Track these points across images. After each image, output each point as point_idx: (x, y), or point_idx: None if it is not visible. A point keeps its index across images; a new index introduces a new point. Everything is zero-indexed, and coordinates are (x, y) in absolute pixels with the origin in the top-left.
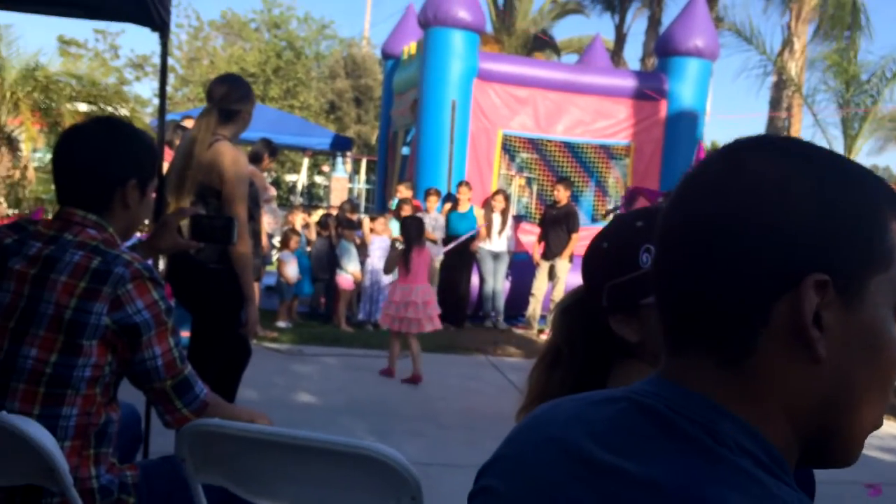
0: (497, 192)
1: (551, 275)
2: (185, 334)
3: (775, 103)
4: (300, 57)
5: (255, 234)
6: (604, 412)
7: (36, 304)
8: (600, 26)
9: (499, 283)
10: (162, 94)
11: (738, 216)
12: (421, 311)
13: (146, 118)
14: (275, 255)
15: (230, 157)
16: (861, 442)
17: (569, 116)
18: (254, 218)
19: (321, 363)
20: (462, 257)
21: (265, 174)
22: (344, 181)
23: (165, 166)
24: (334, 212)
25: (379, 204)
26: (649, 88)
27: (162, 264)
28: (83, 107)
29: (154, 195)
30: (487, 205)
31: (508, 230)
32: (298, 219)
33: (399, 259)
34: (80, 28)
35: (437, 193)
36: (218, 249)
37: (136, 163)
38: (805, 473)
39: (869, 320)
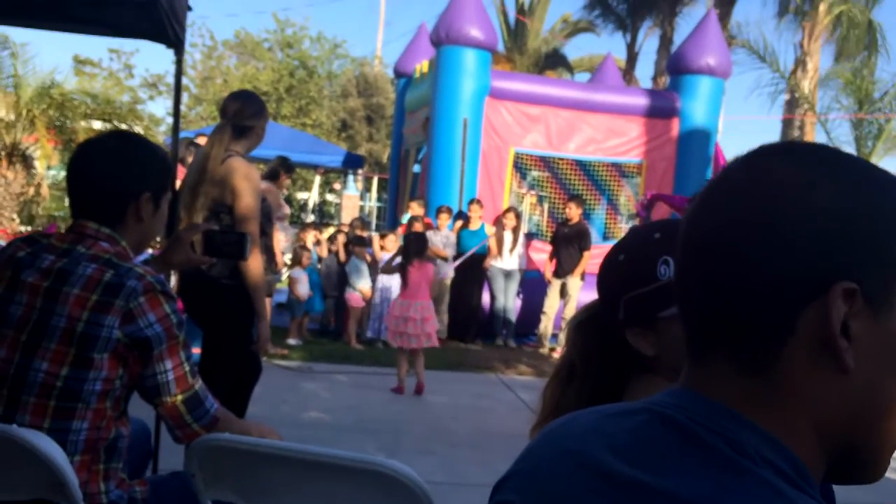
0: (508, 210)
1: (563, 293)
2: (195, 351)
3: (788, 121)
4: (313, 76)
5: (268, 249)
6: (623, 424)
7: (48, 316)
8: (612, 45)
9: (510, 300)
10: (176, 109)
11: (763, 223)
12: (419, 327)
13: (160, 136)
14: (285, 273)
15: (243, 172)
16: (888, 457)
17: (581, 134)
18: (266, 234)
19: (331, 380)
20: (473, 275)
21: (280, 192)
22: (355, 199)
23: (178, 184)
24: (345, 229)
25: (390, 222)
26: (662, 106)
27: (173, 280)
28: (98, 124)
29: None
30: (499, 222)
31: (520, 248)
32: (310, 236)
33: (400, 274)
34: (95, 48)
35: (449, 211)
36: (230, 265)
37: (150, 176)
38: (824, 490)
39: None
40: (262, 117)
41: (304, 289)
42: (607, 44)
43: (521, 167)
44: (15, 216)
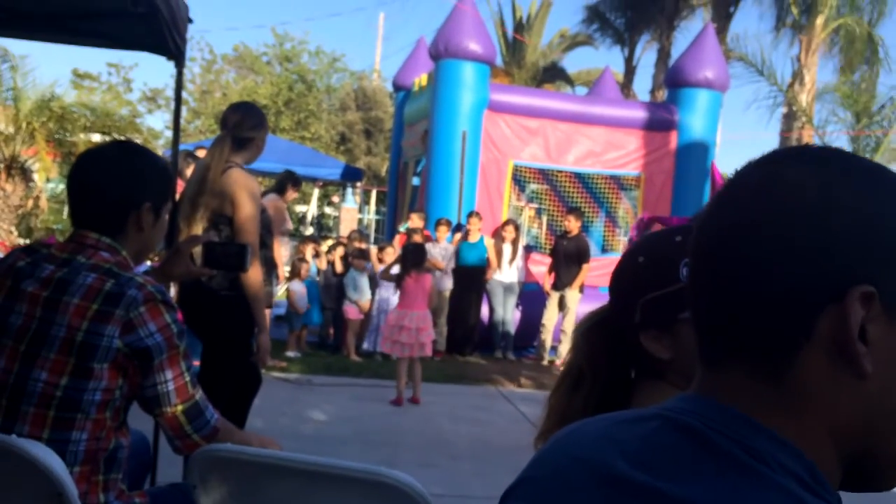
0: (507, 223)
1: (561, 305)
2: (195, 363)
3: (786, 134)
4: (311, 89)
5: (268, 261)
6: (635, 431)
7: (48, 326)
8: (609, 59)
9: (508, 313)
10: (176, 120)
11: (779, 227)
12: (413, 336)
13: (159, 150)
14: (283, 286)
15: (243, 183)
16: None
17: (579, 147)
18: (266, 245)
19: (330, 393)
20: (472, 287)
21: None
22: (354, 212)
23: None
24: (345, 241)
25: (388, 234)
26: (660, 119)
27: (173, 291)
28: (97, 137)
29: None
30: (497, 235)
31: (519, 260)
32: (309, 249)
33: (396, 284)
34: (94, 62)
35: (448, 223)
36: (230, 276)
37: (150, 186)
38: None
39: None
40: (262, 129)
41: (302, 301)
42: (605, 58)
43: (519, 180)
44: (13, 229)
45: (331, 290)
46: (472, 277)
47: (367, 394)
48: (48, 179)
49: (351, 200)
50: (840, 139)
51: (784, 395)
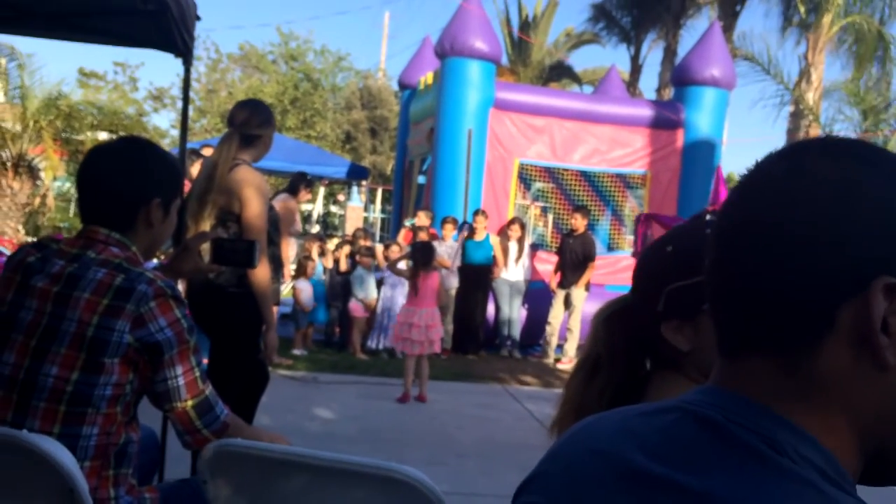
0: (513, 221)
1: (567, 303)
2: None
3: (793, 133)
4: (317, 88)
5: (275, 258)
6: (653, 424)
7: (58, 321)
8: (615, 57)
9: (514, 311)
10: (184, 117)
11: (802, 219)
12: (423, 334)
13: (165, 148)
14: (289, 284)
15: (250, 180)
16: None
17: (585, 145)
18: (274, 242)
19: (336, 391)
20: (478, 286)
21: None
22: (359, 210)
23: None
24: (351, 240)
25: (394, 233)
26: (666, 117)
27: (181, 287)
28: (104, 135)
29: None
30: (503, 233)
31: (525, 259)
32: (315, 247)
33: (409, 282)
34: (100, 60)
35: (454, 222)
36: (237, 273)
37: (160, 182)
38: None
39: None
40: (270, 126)
41: (308, 299)
42: (611, 56)
43: (525, 178)
44: (20, 227)
45: (335, 289)
46: (478, 276)
47: (373, 391)
48: (55, 178)
49: (356, 199)
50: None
51: (805, 386)
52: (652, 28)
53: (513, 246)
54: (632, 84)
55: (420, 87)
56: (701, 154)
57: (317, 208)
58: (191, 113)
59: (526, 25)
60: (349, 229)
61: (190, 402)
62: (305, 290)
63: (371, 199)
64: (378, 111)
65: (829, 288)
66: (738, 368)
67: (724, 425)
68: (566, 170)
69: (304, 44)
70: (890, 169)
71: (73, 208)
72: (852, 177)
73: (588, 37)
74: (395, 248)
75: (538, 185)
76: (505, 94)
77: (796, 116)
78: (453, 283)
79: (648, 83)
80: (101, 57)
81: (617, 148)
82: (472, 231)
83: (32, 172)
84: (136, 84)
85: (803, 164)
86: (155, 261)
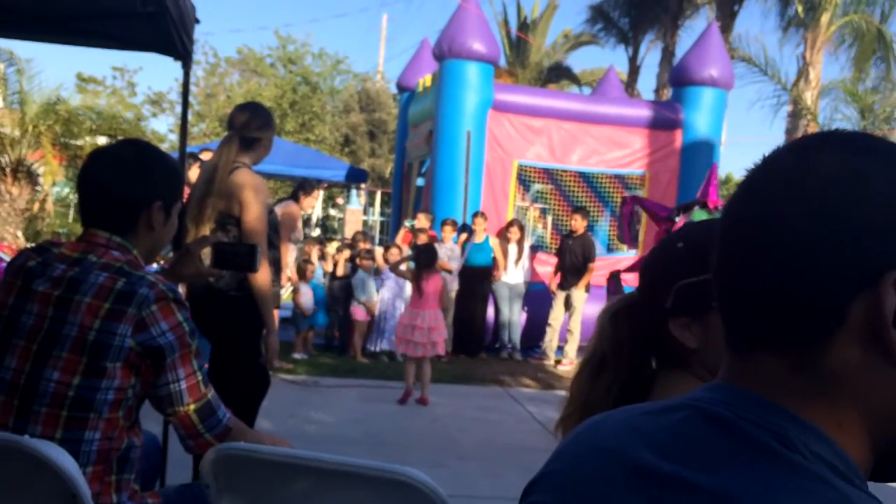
0: (511, 223)
1: (568, 305)
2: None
3: (791, 133)
4: (315, 91)
5: (276, 262)
6: (662, 422)
7: (59, 326)
8: (613, 58)
9: (514, 313)
10: (184, 122)
11: (811, 213)
12: (426, 336)
13: None
14: (288, 288)
15: (250, 183)
16: None
17: (583, 146)
18: (274, 246)
19: (337, 394)
20: (478, 288)
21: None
22: (358, 213)
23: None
24: (350, 243)
25: (393, 236)
26: (665, 118)
27: (181, 291)
28: (103, 140)
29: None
30: (502, 236)
31: (525, 260)
32: (314, 250)
33: (413, 284)
34: (99, 66)
35: (453, 224)
36: (238, 277)
37: (161, 185)
38: None
39: None
40: (270, 129)
41: (308, 303)
42: (609, 57)
43: (524, 179)
44: (19, 233)
45: (335, 294)
46: (478, 278)
47: (374, 395)
48: (54, 183)
49: (355, 202)
50: None
51: (815, 382)
52: (650, 29)
53: (512, 248)
54: (630, 85)
55: (418, 89)
56: (700, 154)
57: (316, 212)
58: (189, 117)
59: (524, 27)
60: (348, 233)
61: (192, 406)
62: (305, 293)
63: (370, 203)
64: (376, 114)
65: (838, 284)
66: (747, 365)
67: (733, 422)
68: (565, 171)
69: (303, 47)
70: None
71: (72, 214)
72: (860, 170)
73: (586, 38)
74: (394, 250)
75: (537, 186)
76: (503, 95)
77: (795, 116)
78: (454, 285)
79: (647, 84)
80: (99, 62)
81: (615, 149)
82: (470, 233)
83: (31, 178)
84: (134, 89)
85: (811, 158)
86: (155, 265)
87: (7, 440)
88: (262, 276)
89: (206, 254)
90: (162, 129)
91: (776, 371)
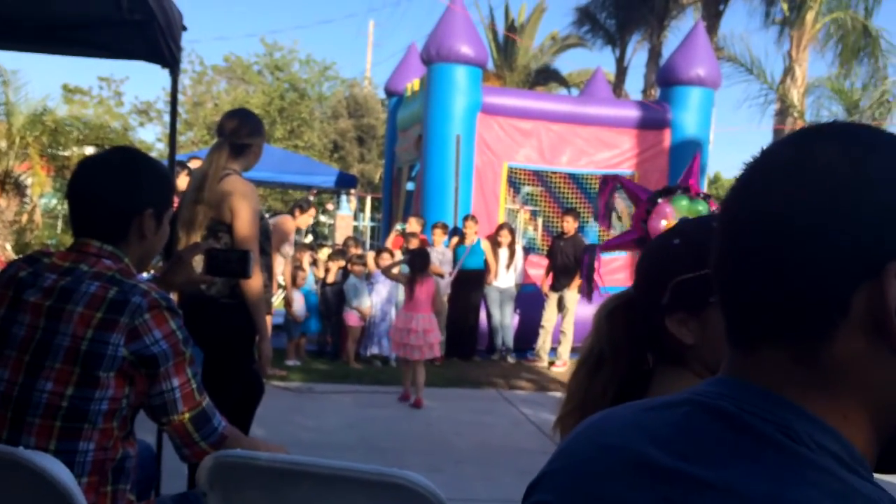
0: (501, 227)
1: (560, 306)
2: None
3: (778, 132)
4: (303, 98)
5: (268, 268)
6: (665, 417)
7: (51, 336)
8: (601, 60)
9: (506, 316)
10: (172, 129)
11: (811, 206)
12: (421, 339)
13: None
14: (280, 294)
15: (241, 190)
16: None
17: (573, 148)
18: (265, 252)
19: (332, 400)
20: (470, 292)
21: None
22: (349, 219)
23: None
24: (341, 249)
25: (384, 241)
26: (653, 118)
27: (174, 299)
28: (90, 150)
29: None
30: (493, 239)
31: (519, 261)
32: (306, 256)
33: (405, 287)
34: (85, 76)
35: (444, 227)
36: (230, 284)
37: (151, 192)
38: None
39: None
40: (259, 135)
41: (300, 310)
42: (597, 59)
43: (514, 182)
44: (8, 245)
45: (327, 300)
46: (470, 281)
47: (368, 400)
48: (42, 194)
49: (346, 208)
50: None
51: (819, 374)
52: (636, 30)
53: (503, 252)
54: (618, 86)
55: (407, 94)
56: (688, 153)
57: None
58: (178, 125)
59: (512, 31)
60: (339, 238)
61: (187, 415)
62: (297, 300)
63: (360, 208)
64: (365, 119)
65: (841, 275)
66: (749, 359)
67: (738, 416)
68: (554, 173)
69: (290, 54)
70: None
71: (60, 225)
72: (860, 161)
73: (573, 40)
74: (385, 255)
75: (527, 188)
76: (492, 98)
77: (782, 114)
78: (446, 288)
79: (634, 84)
80: (85, 72)
81: (604, 149)
82: (462, 237)
83: (19, 189)
84: (121, 98)
85: (809, 150)
86: (145, 274)
87: (2, 452)
88: (255, 282)
89: (198, 261)
90: (149, 138)
91: (779, 364)
